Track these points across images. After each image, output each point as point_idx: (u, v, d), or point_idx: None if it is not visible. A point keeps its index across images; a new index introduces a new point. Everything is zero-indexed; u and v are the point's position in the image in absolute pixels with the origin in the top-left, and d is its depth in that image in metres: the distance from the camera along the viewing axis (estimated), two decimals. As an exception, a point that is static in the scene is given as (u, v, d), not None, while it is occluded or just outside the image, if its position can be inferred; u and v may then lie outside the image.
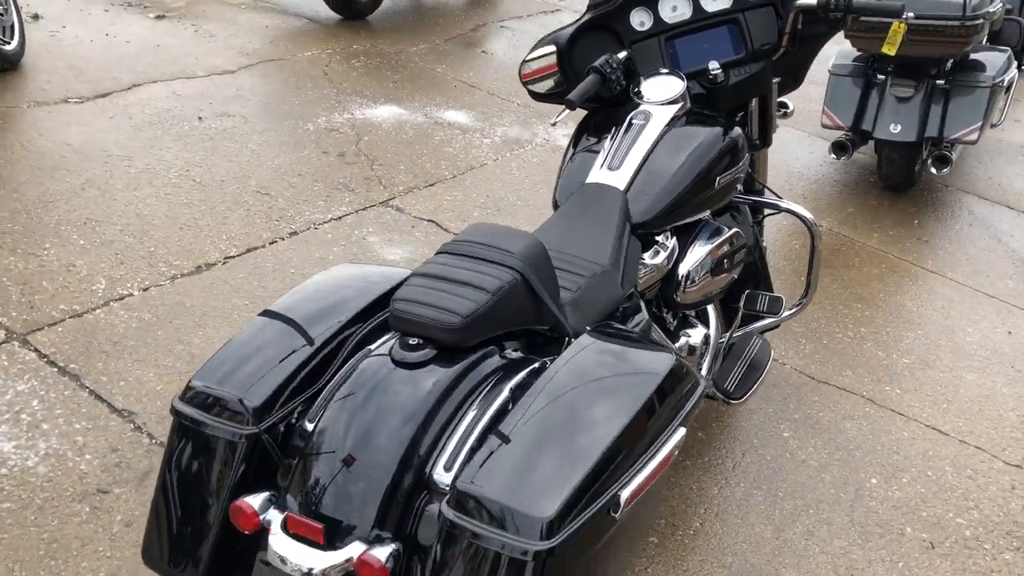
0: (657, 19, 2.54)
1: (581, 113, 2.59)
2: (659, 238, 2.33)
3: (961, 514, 2.70)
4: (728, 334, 2.64)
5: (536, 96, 2.65)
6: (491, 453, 1.47)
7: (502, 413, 1.61)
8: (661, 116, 2.38)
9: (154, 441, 2.57)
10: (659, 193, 2.27)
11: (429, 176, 4.18)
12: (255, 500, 1.56)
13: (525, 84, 2.64)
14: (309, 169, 4.09)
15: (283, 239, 3.56)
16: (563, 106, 2.43)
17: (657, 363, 1.68)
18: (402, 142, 4.46)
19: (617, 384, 1.62)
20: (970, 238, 4.37)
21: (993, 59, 4.48)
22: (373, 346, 1.74)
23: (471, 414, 1.61)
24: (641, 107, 2.41)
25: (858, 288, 3.80)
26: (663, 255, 2.32)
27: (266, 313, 1.80)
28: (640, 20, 2.54)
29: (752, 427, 2.92)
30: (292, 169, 4.07)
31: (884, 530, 2.60)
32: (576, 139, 2.53)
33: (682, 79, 2.42)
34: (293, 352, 1.70)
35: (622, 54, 2.49)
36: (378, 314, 1.82)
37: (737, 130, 2.44)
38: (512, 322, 1.75)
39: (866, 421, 3.02)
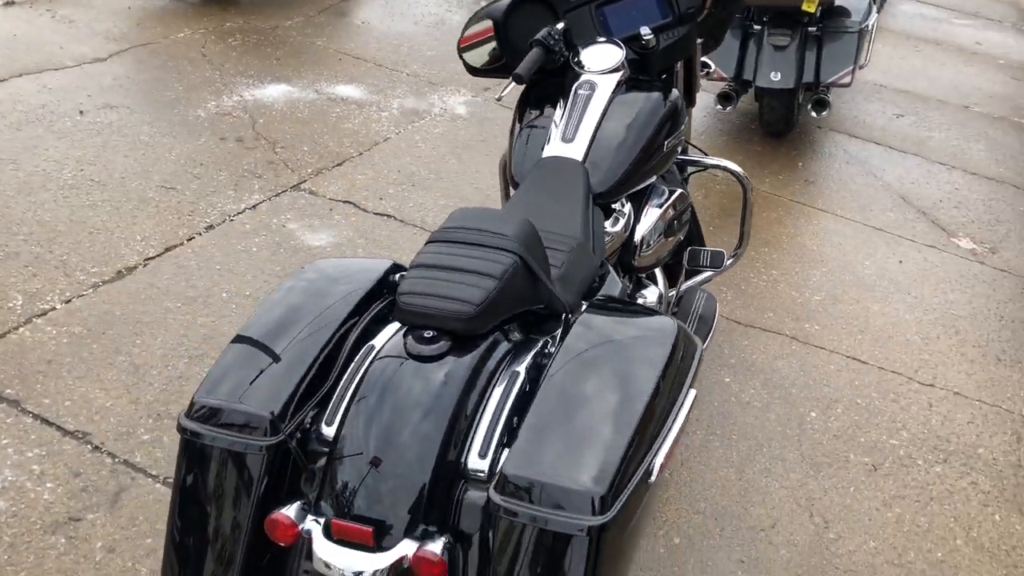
0: None
1: (518, 91, 2.62)
2: (616, 206, 2.41)
3: (893, 435, 2.94)
4: (675, 291, 2.76)
5: (475, 71, 2.66)
6: (529, 435, 1.50)
7: (525, 395, 1.65)
8: (605, 85, 2.44)
9: (117, 460, 2.49)
10: (616, 161, 2.34)
11: (335, 155, 4.11)
12: (290, 511, 1.54)
13: (462, 54, 2.63)
14: (210, 158, 3.94)
15: (200, 234, 3.44)
16: (509, 80, 2.45)
17: (664, 330, 1.74)
18: (299, 121, 4.36)
19: (633, 355, 1.68)
20: (850, 176, 4.68)
21: (857, 4, 4.76)
22: (379, 342, 1.72)
23: (494, 400, 1.64)
24: (584, 77, 2.46)
25: (763, 233, 4.01)
26: (622, 222, 2.40)
27: (257, 317, 1.76)
28: None
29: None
30: (192, 159, 3.92)
31: (831, 459, 2.81)
32: (520, 113, 2.55)
33: (620, 47, 2.48)
34: (298, 356, 1.66)
35: (560, 25, 2.52)
36: (370, 308, 1.81)
37: (675, 93, 2.53)
38: (515, 305, 1.78)
39: (795, 358, 3.23)
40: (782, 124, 4.91)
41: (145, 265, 3.23)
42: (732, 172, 2.79)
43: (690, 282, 2.89)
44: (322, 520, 1.52)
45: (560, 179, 2.29)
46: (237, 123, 4.26)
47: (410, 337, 1.65)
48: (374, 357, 1.68)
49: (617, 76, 2.46)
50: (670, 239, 2.57)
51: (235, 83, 4.63)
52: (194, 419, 1.60)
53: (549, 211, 2.22)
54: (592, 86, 2.45)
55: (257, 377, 1.63)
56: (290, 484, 1.62)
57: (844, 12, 4.70)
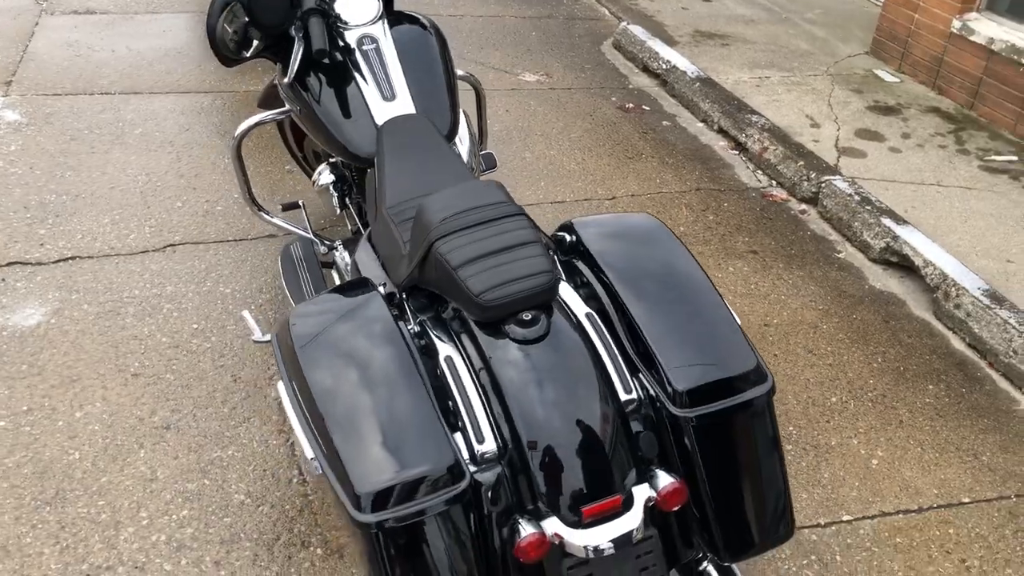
0: None
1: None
2: (456, 143, 2.51)
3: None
4: None
5: (237, 61, 2.44)
6: (666, 351, 1.73)
7: (613, 327, 1.85)
8: (380, 33, 2.45)
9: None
10: (442, 103, 2.43)
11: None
12: (529, 528, 1.57)
13: (215, 44, 2.39)
14: None
15: None
16: (294, 58, 2.33)
17: (652, 223, 2.01)
18: None
19: (655, 252, 1.95)
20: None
21: None
22: (452, 351, 1.75)
23: (604, 342, 1.80)
24: (357, 33, 2.42)
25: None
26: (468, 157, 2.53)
27: (319, 389, 1.65)
28: None
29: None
30: None
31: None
32: (302, 97, 2.42)
33: None
34: (408, 403, 1.62)
35: None
36: (401, 326, 1.79)
37: (431, 18, 2.62)
38: None
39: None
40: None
41: None
42: (467, 79, 2.98)
43: None
44: (551, 518, 1.58)
45: (415, 137, 2.31)
46: None
47: (510, 327, 1.70)
48: (483, 365, 1.70)
49: (382, 21, 2.47)
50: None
51: None
52: (376, 510, 1.51)
53: (441, 168, 2.26)
54: (372, 39, 2.44)
55: (398, 435, 1.57)
56: (479, 512, 1.62)
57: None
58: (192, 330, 2.87)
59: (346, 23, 2.42)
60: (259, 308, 2.99)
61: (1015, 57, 4.44)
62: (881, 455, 2.63)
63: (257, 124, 2.82)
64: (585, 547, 1.56)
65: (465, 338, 1.77)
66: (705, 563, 1.85)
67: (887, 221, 3.54)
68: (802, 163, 3.97)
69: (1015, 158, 4.29)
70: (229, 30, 2.33)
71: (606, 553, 1.57)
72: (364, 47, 2.43)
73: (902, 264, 3.43)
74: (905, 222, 3.57)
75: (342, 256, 2.60)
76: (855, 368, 2.95)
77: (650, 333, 1.75)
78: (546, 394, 1.66)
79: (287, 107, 2.69)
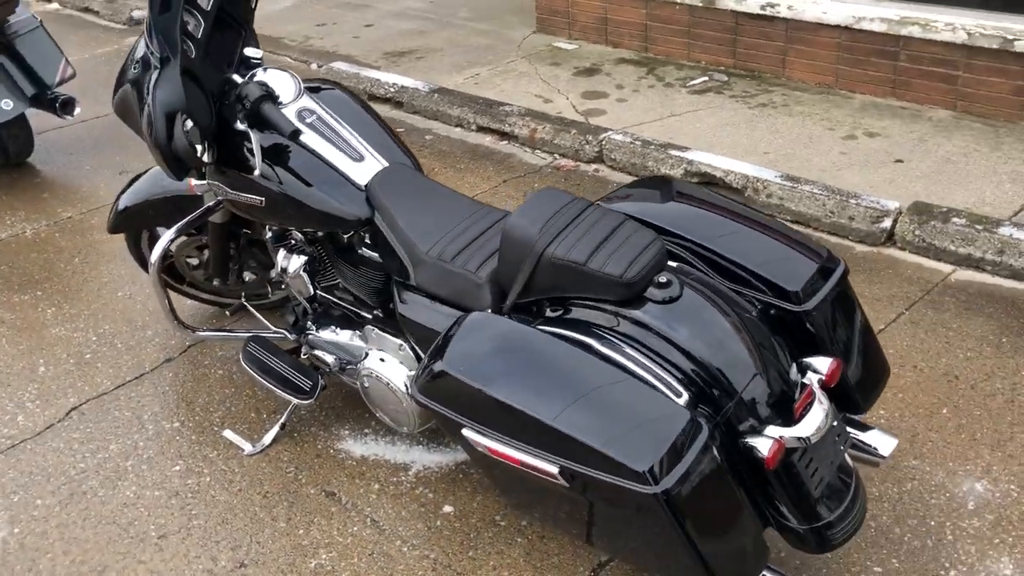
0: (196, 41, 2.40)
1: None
2: None
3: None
4: None
5: (195, 167, 2.36)
6: (765, 269, 2.10)
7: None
8: (312, 104, 2.51)
9: None
10: (399, 148, 2.55)
11: None
12: (766, 442, 1.83)
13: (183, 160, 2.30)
14: None
15: None
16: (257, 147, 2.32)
17: (660, 183, 2.37)
18: None
19: (685, 203, 2.27)
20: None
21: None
22: (617, 321, 1.96)
23: (711, 281, 2.12)
24: (294, 107, 2.45)
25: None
26: None
27: (534, 393, 1.82)
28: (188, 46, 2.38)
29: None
30: None
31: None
32: (257, 187, 2.40)
33: (287, 71, 2.50)
34: (614, 381, 1.83)
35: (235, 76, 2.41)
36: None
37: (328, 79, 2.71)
38: None
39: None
40: (29, 148, 4.58)
41: None
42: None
43: None
44: (774, 425, 1.87)
45: (406, 185, 2.43)
46: None
47: (650, 293, 1.96)
48: (645, 333, 1.94)
49: (306, 92, 2.52)
50: None
51: None
52: (658, 482, 1.68)
53: (448, 207, 2.39)
54: (310, 111, 2.49)
55: (634, 419, 1.76)
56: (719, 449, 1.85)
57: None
58: (177, 472, 2.66)
59: (282, 103, 2.42)
60: (212, 425, 2.83)
61: None
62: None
63: (175, 239, 2.69)
64: (805, 438, 1.87)
65: (604, 319, 1.97)
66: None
67: (674, 152, 4.15)
68: (575, 131, 4.46)
69: (705, 78, 5.14)
70: (185, 139, 2.25)
71: (821, 434, 1.90)
72: (307, 120, 2.46)
73: (704, 182, 4.04)
74: (686, 148, 4.20)
75: (338, 335, 2.60)
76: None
77: (746, 259, 2.07)
78: (715, 334, 1.93)
79: (215, 203, 2.62)
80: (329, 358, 2.63)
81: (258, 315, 2.85)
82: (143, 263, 3.21)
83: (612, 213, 2.08)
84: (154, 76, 2.26)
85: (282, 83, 2.46)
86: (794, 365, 2.01)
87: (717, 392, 1.88)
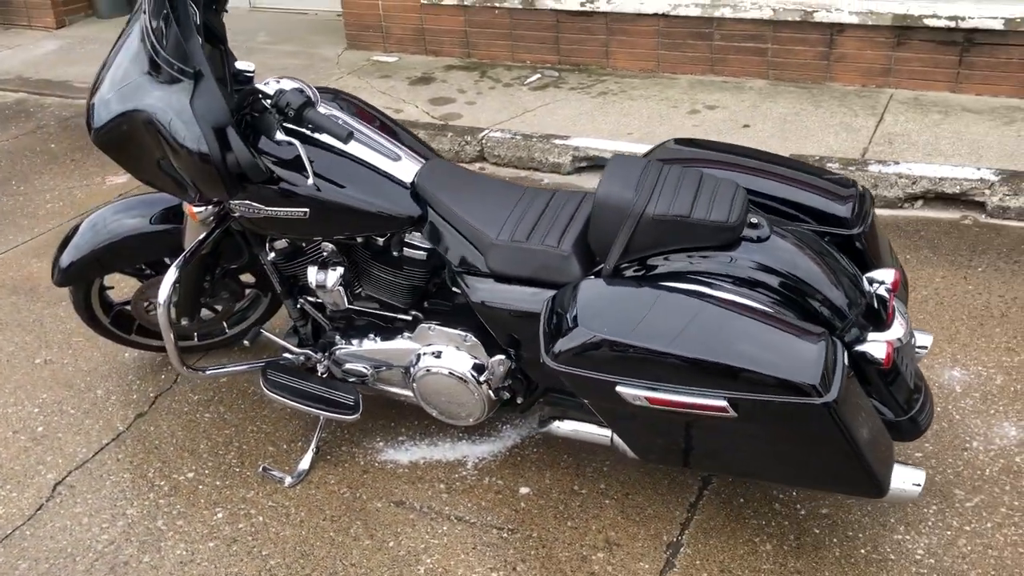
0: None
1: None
2: None
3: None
4: None
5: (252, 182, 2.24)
6: (812, 201, 2.36)
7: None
8: (336, 110, 2.48)
9: None
10: (422, 143, 2.57)
11: None
12: (880, 346, 2.08)
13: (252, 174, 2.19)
14: None
15: None
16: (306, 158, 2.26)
17: (672, 144, 2.58)
18: None
19: (709, 148, 2.52)
20: None
21: None
22: (729, 267, 2.13)
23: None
24: (314, 112, 2.37)
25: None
26: None
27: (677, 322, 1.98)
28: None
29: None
30: None
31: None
32: (305, 198, 2.31)
33: (297, 79, 2.43)
34: (750, 312, 2.03)
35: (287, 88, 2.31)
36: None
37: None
38: None
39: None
40: None
41: None
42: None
43: None
44: (877, 331, 2.15)
45: (450, 178, 2.45)
46: None
47: (747, 232, 2.15)
48: (755, 271, 2.13)
49: (323, 97, 2.47)
50: None
51: None
52: (827, 392, 1.88)
53: (497, 190, 2.44)
54: (337, 116, 2.44)
55: (789, 342, 1.95)
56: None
57: None
58: (221, 520, 2.47)
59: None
60: (231, 467, 2.65)
61: (488, 4, 5.51)
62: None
63: (178, 276, 2.51)
64: (900, 337, 2.14)
65: (710, 265, 2.13)
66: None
67: (557, 141, 4.36)
68: (450, 134, 4.54)
69: (538, 75, 5.40)
70: (248, 153, 2.13)
71: (909, 334, 2.18)
72: (339, 119, 2.41)
73: (592, 166, 4.28)
74: (567, 136, 4.42)
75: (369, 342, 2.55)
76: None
77: (792, 195, 2.31)
78: (809, 263, 2.16)
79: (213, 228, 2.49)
80: (365, 368, 2.56)
81: (277, 339, 2.69)
82: (91, 318, 2.91)
83: (689, 169, 2.23)
84: (186, 93, 2.11)
85: (307, 90, 2.38)
86: (863, 279, 2.27)
87: (828, 312, 2.10)
